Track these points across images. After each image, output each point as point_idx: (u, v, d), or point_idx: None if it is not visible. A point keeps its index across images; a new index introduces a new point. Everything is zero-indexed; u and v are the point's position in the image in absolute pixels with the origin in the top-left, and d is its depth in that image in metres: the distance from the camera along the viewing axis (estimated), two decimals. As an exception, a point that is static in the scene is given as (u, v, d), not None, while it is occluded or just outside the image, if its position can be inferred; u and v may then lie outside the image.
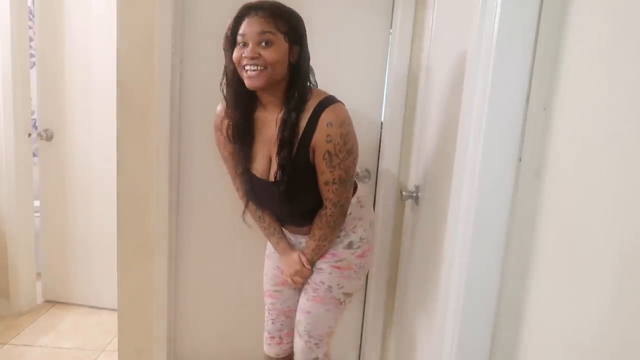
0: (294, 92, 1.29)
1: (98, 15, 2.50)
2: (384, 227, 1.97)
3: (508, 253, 0.88)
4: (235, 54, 1.25)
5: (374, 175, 1.99)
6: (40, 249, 2.78)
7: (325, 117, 1.27)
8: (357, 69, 1.92)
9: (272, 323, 1.59)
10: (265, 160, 1.37)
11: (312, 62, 1.92)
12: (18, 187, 2.54)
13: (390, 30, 1.89)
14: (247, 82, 1.25)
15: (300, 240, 1.50)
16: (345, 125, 1.29)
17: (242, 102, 1.33)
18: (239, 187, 1.48)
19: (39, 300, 2.80)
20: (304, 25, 1.33)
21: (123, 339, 2.05)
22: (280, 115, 1.30)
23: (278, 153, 1.30)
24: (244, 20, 1.25)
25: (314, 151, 1.30)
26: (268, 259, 1.61)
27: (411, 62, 1.85)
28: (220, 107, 1.42)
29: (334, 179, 1.31)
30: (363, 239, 1.47)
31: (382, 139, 1.95)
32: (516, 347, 0.86)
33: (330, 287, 1.44)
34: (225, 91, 1.34)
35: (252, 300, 1.95)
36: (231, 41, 1.27)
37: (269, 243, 1.59)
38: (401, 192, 1.67)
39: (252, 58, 1.22)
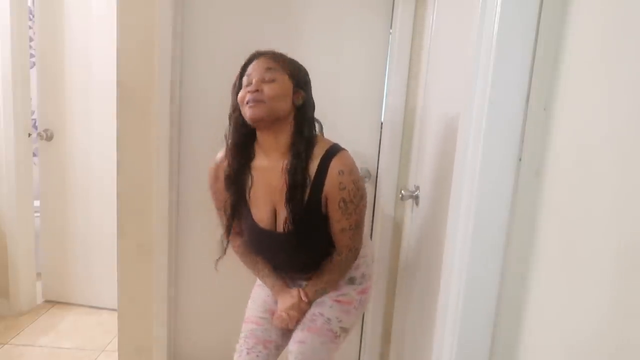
0: (300, 138, 1.27)
1: (98, 15, 2.50)
2: (384, 227, 1.97)
3: (508, 253, 0.88)
4: (240, 94, 1.26)
5: (374, 175, 1.99)
6: (40, 249, 2.78)
7: (335, 165, 1.26)
8: (357, 69, 1.92)
9: (247, 354, 1.39)
10: (269, 210, 1.33)
11: (312, 63, 1.92)
12: (18, 187, 2.54)
13: (390, 30, 1.89)
14: (247, 115, 1.24)
15: (300, 283, 1.45)
16: (354, 172, 1.29)
17: (244, 147, 1.31)
18: (229, 235, 1.41)
19: (39, 300, 2.80)
20: (309, 77, 1.35)
21: (123, 339, 2.05)
22: (287, 162, 1.26)
23: (287, 202, 1.26)
24: (250, 63, 1.28)
25: (326, 200, 1.28)
26: (260, 287, 1.53)
27: (411, 62, 1.85)
28: (220, 154, 1.39)
29: (350, 226, 1.30)
30: (365, 275, 1.46)
31: (382, 139, 1.95)
32: (516, 347, 0.86)
33: (329, 319, 1.38)
34: (229, 136, 1.33)
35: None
36: (238, 86, 1.29)
37: None
38: (401, 192, 1.67)
39: (254, 92, 1.22)
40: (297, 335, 1.37)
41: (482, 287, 0.90)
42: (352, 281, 1.43)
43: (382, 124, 1.95)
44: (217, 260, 1.40)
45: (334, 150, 1.29)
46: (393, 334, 1.98)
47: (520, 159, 0.85)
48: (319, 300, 1.41)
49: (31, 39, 2.82)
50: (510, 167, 0.86)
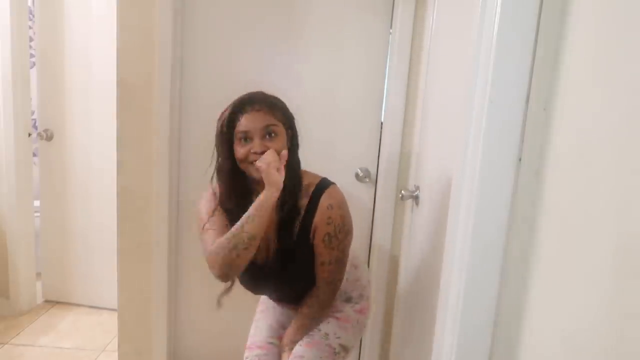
0: (292, 175, 1.27)
1: (98, 15, 2.50)
2: (383, 227, 1.97)
3: (508, 253, 0.88)
4: (241, 151, 1.23)
5: (374, 175, 1.99)
6: (40, 248, 2.78)
7: (325, 199, 1.29)
8: (357, 69, 1.92)
9: None
10: (264, 243, 1.33)
11: (312, 63, 1.93)
12: (18, 187, 2.54)
13: (390, 30, 1.89)
14: (255, 174, 1.22)
15: (290, 313, 1.48)
16: (343, 207, 1.32)
17: (237, 192, 1.31)
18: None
19: (39, 300, 2.80)
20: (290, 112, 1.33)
21: (123, 339, 2.05)
22: (279, 199, 1.24)
23: (277, 235, 1.30)
24: (241, 116, 1.23)
25: (314, 233, 1.30)
26: (263, 314, 1.53)
27: (411, 62, 1.85)
28: (208, 192, 1.40)
29: (330, 260, 1.32)
30: (362, 295, 1.47)
31: (382, 139, 1.95)
32: (516, 347, 0.86)
33: (327, 334, 1.39)
34: (217, 182, 1.32)
35: (252, 301, 1.95)
36: (227, 135, 1.25)
37: (261, 300, 1.57)
38: (401, 192, 1.67)
39: (262, 152, 1.20)
40: (296, 350, 1.38)
41: (482, 287, 0.90)
42: (349, 300, 1.45)
43: (382, 124, 1.95)
44: (221, 295, 1.39)
45: (324, 184, 1.32)
46: (393, 334, 1.98)
47: (520, 159, 0.85)
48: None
49: (31, 39, 2.82)
50: (510, 167, 0.86)
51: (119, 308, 2.02)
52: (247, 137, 1.22)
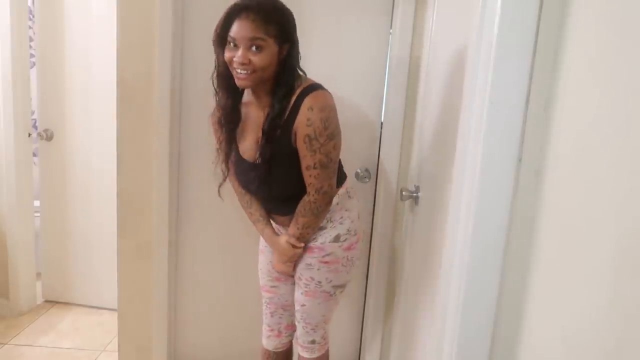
0: (283, 84, 1.32)
1: (98, 15, 2.50)
2: (383, 227, 1.97)
3: (508, 253, 0.88)
4: (227, 55, 1.28)
5: (374, 175, 1.99)
6: (40, 249, 2.78)
7: (307, 102, 1.31)
8: (357, 69, 1.92)
9: (271, 316, 1.65)
10: (254, 144, 1.40)
11: (312, 63, 1.92)
12: (18, 187, 2.54)
13: (390, 30, 1.89)
14: (237, 83, 1.30)
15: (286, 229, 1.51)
16: (326, 111, 1.32)
17: (231, 93, 1.37)
18: (227, 169, 1.49)
19: (39, 300, 2.80)
20: (294, 20, 1.34)
21: (123, 339, 2.05)
22: (269, 105, 1.34)
23: (262, 134, 1.34)
24: (234, 20, 1.25)
25: (295, 135, 1.33)
26: (262, 253, 1.64)
27: (411, 62, 1.85)
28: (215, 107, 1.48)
29: (314, 164, 1.34)
30: (350, 230, 1.49)
31: (382, 139, 1.95)
32: (516, 347, 0.86)
33: (319, 282, 1.49)
34: (215, 82, 1.38)
35: (252, 300, 1.95)
36: (221, 37, 1.29)
37: (261, 238, 1.61)
38: (401, 192, 1.67)
39: (243, 63, 1.25)
40: (298, 298, 1.54)
41: (482, 287, 0.90)
42: (337, 238, 1.47)
43: (382, 124, 1.95)
44: (219, 185, 1.49)
45: (311, 88, 1.33)
46: (393, 334, 1.98)
47: (520, 159, 0.85)
48: (308, 262, 1.48)
49: (31, 39, 2.81)
50: (510, 167, 0.86)
51: (119, 308, 2.02)
52: (235, 44, 1.26)
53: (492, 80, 0.84)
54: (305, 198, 1.40)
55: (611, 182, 0.62)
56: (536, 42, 0.82)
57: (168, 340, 2.06)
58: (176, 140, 1.93)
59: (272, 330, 1.66)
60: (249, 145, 1.42)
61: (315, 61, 1.92)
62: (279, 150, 1.35)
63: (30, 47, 2.75)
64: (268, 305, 1.65)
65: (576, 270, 0.69)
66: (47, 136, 2.65)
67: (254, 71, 1.26)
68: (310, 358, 1.61)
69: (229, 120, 1.41)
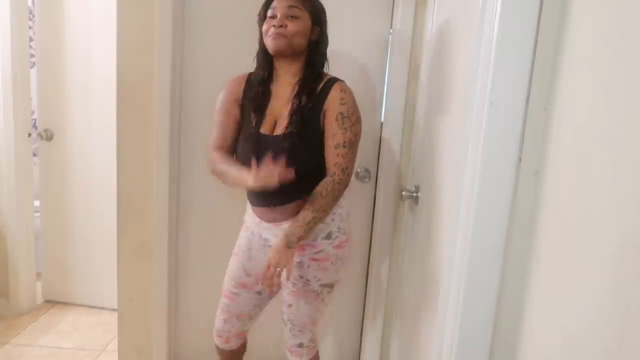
0: (312, 68, 1.44)
1: (98, 15, 2.50)
2: (383, 227, 1.97)
3: (508, 253, 0.88)
4: (265, 26, 1.41)
5: (374, 175, 1.99)
6: (40, 249, 2.78)
7: (338, 86, 1.42)
8: (357, 69, 1.92)
9: (224, 322, 1.62)
10: (272, 120, 1.45)
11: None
12: (18, 187, 2.54)
13: (390, 30, 1.89)
14: (270, 45, 1.39)
15: (277, 233, 1.46)
16: (354, 99, 1.43)
17: (266, 68, 1.47)
18: (215, 148, 1.49)
19: (39, 300, 2.80)
20: (326, 15, 1.48)
21: (123, 339, 2.05)
22: (298, 85, 1.43)
23: (291, 110, 1.40)
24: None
25: (324, 115, 1.40)
26: (235, 255, 1.61)
27: (411, 62, 1.85)
28: (241, 74, 1.54)
29: (344, 142, 1.39)
30: (340, 229, 1.50)
31: (382, 139, 1.95)
32: (516, 347, 0.86)
33: (308, 280, 1.48)
34: (257, 60, 1.48)
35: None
36: (262, 16, 1.43)
37: (240, 240, 1.60)
38: (401, 192, 1.67)
39: (279, 26, 1.37)
40: (285, 298, 1.53)
41: (482, 287, 0.90)
42: (329, 236, 1.48)
43: (382, 124, 1.95)
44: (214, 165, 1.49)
45: (337, 78, 1.45)
46: (393, 334, 1.98)
47: (520, 159, 0.85)
48: (297, 260, 1.46)
49: (31, 39, 2.81)
50: (510, 167, 0.86)
51: (119, 308, 2.02)
52: (273, 15, 1.39)
53: (492, 80, 0.84)
54: (329, 179, 1.40)
55: (611, 182, 0.62)
56: (536, 42, 0.82)
57: (168, 340, 2.06)
58: (176, 140, 1.93)
59: (220, 336, 1.64)
60: (267, 123, 1.45)
61: (315, 61, 1.92)
62: (308, 125, 1.40)
63: (30, 47, 2.75)
64: (223, 311, 1.62)
65: (576, 270, 0.69)
66: (47, 136, 2.65)
67: (285, 35, 1.37)
68: None
69: (259, 95, 1.45)
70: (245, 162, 1.42)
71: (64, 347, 2.37)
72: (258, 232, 1.54)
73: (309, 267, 1.48)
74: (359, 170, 1.98)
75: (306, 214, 1.39)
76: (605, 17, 0.68)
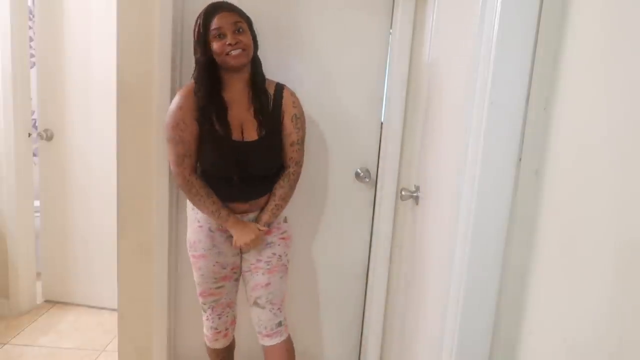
0: (260, 71, 1.59)
1: (98, 15, 2.50)
2: (384, 227, 1.97)
3: (508, 253, 0.88)
4: (217, 45, 1.47)
5: (374, 175, 1.99)
6: (40, 249, 2.78)
7: (287, 90, 1.63)
8: (357, 69, 1.92)
9: (219, 318, 1.72)
10: (238, 127, 1.55)
11: (312, 63, 1.93)
12: (18, 187, 2.54)
13: (390, 30, 1.89)
14: (234, 62, 1.48)
15: (250, 218, 1.64)
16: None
17: (208, 82, 1.52)
18: (187, 167, 1.55)
19: (39, 300, 2.80)
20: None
21: (123, 339, 2.05)
22: (253, 88, 1.56)
23: (256, 113, 1.54)
24: (214, 16, 1.48)
25: (283, 115, 1.59)
26: (204, 258, 1.64)
27: (411, 62, 1.85)
28: (183, 89, 1.56)
29: (298, 140, 1.61)
30: (286, 215, 1.73)
31: (382, 139, 1.94)
32: (516, 347, 0.86)
33: (280, 256, 1.67)
34: (193, 77, 1.55)
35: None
36: (203, 35, 1.49)
37: (199, 242, 1.63)
38: (401, 192, 1.67)
39: (235, 44, 1.46)
40: (261, 279, 1.65)
41: (482, 288, 0.90)
42: (285, 219, 1.72)
43: (382, 124, 1.95)
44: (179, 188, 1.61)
45: (279, 82, 1.64)
46: (393, 334, 1.98)
47: (520, 159, 0.85)
48: (269, 240, 1.65)
49: (31, 39, 2.81)
50: (510, 167, 0.86)
51: (119, 308, 2.02)
52: (220, 34, 1.47)
53: (492, 80, 0.84)
54: (286, 172, 1.63)
55: (611, 182, 0.62)
56: (536, 42, 0.82)
57: (168, 340, 2.06)
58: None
59: (219, 332, 1.73)
60: (235, 129, 1.54)
61: (315, 61, 1.92)
62: (276, 126, 1.58)
63: (30, 47, 2.75)
64: (214, 309, 1.70)
65: (576, 270, 0.69)
66: (47, 136, 2.65)
67: (244, 49, 1.48)
68: (280, 342, 1.65)
69: (216, 106, 1.52)
70: (218, 171, 1.56)
71: (64, 347, 2.37)
72: (217, 226, 1.63)
73: (279, 245, 1.67)
74: (359, 170, 1.99)
75: (272, 204, 1.62)
76: (605, 17, 0.68)
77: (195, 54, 1.53)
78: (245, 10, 1.64)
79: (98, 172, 2.59)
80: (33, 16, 2.77)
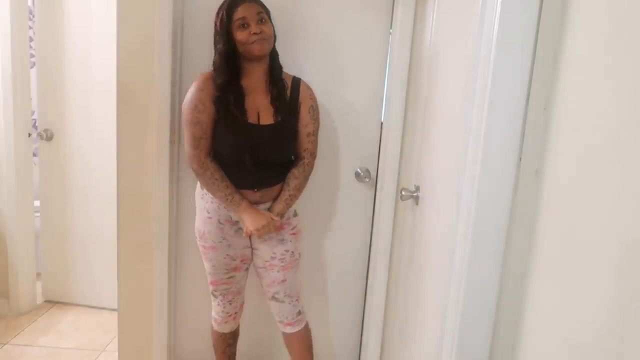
0: (278, 62, 1.64)
1: (98, 15, 2.50)
2: (384, 227, 1.97)
3: (508, 253, 0.88)
4: (242, 35, 1.52)
5: (374, 175, 1.99)
6: (40, 249, 2.77)
7: (304, 84, 1.69)
8: (357, 69, 1.92)
9: (230, 304, 1.78)
10: (255, 112, 1.59)
11: (312, 63, 1.93)
12: (18, 187, 2.54)
13: (390, 30, 1.89)
14: (258, 51, 1.53)
15: (261, 209, 1.63)
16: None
17: (229, 70, 1.57)
18: (203, 149, 1.57)
19: (39, 300, 2.80)
20: None
21: (123, 339, 2.05)
22: (270, 76, 1.61)
23: (273, 100, 1.59)
24: (237, 7, 1.52)
25: (300, 105, 1.64)
26: (213, 250, 1.69)
27: (411, 62, 1.85)
28: (201, 76, 1.60)
29: (313, 131, 1.66)
30: (295, 208, 1.74)
31: (382, 139, 1.94)
32: (516, 347, 0.86)
33: (292, 252, 1.71)
34: (213, 66, 1.58)
35: (251, 300, 1.95)
36: (226, 25, 1.53)
37: (209, 234, 1.66)
38: (401, 192, 1.67)
39: (259, 33, 1.51)
40: (276, 276, 1.70)
41: (482, 287, 0.90)
42: (295, 213, 1.74)
43: (382, 124, 1.95)
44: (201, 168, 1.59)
45: (298, 77, 1.70)
46: (393, 334, 1.98)
47: (520, 159, 0.85)
48: (280, 237, 1.68)
49: (31, 39, 2.81)
50: (510, 167, 0.86)
51: (119, 308, 2.02)
52: (245, 24, 1.52)
53: (492, 80, 0.84)
54: (301, 162, 1.66)
55: (612, 181, 0.62)
56: (536, 42, 0.82)
57: (168, 340, 2.06)
58: (176, 141, 1.93)
59: (229, 315, 1.79)
60: (251, 115, 1.58)
61: (315, 61, 1.92)
62: (292, 114, 1.62)
63: (30, 47, 2.75)
64: (225, 296, 1.75)
65: (576, 270, 0.69)
66: (47, 136, 2.64)
67: (266, 38, 1.53)
68: (300, 329, 1.76)
69: (235, 93, 1.56)
70: (233, 155, 1.58)
71: (64, 347, 2.37)
72: (227, 217, 1.64)
73: (290, 241, 1.71)
74: (359, 170, 1.98)
75: (286, 194, 1.64)
76: (605, 16, 0.68)
77: (216, 44, 1.57)
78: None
79: (98, 172, 2.59)
80: (33, 16, 2.77)
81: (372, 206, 2.02)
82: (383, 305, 2.03)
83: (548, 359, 0.76)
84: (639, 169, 0.56)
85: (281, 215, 1.63)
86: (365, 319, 2.10)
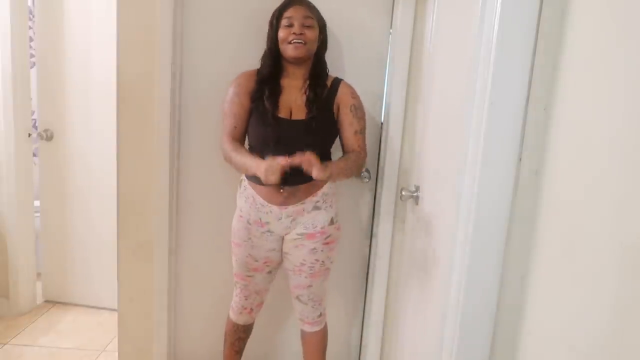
0: (321, 65, 1.68)
1: (98, 15, 2.50)
2: (384, 227, 1.97)
3: (508, 253, 0.88)
4: (283, 33, 1.58)
5: (374, 175, 1.99)
6: (40, 249, 2.78)
7: (345, 83, 1.69)
8: (357, 69, 1.92)
9: (246, 299, 1.79)
10: (287, 109, 1.63)
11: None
12: (18, 187, 2.54)
13: (390, 30, 1.89)
14: (292, 52, 1.58)
15: (289, 211, 1.61)
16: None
17: (271, 67, 1.64)
18: (235, 136, 1.63)
19: (39, 300, 2.80)
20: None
21: (123, 339, 2.05)
22: (310, 78, 1.65)
23: (308, 101, 1.60)
24: (289, 7, 1.59)
25: (338, 107, 1.65)
26: (237, 247, 1.71)
27: (411, 62, 1.85)
28: (245, 72, 1.69)
29: (361, 129, 1.65)
30: (337, 214, 1.72)
31: (382, 139, 1.94)
32: (516, 347, 0.86)
33: (323, 262, 1.70)
34: (263, 62, 1.66)
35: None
36: (276, 25, 1.61)
37: (237, 231, 1.69)
38: (401, 192, 1.67)
39: (299, 34, 1.56)
40: (303, 281, 1.71)
41: (482, 287, 0.90)
42: (332, 221, 1.69)
43: (382, 124, 1.95)
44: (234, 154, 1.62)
45: (339, 78, 1.71)
46: (393, 334, 1.98)
47: (520, 159, 0.85)
48: (312, 247, 1.66)
49: (31, 39, 2.81)
50: (510, 167, 0.86)
51: (119, 308, 2.02)
52: (290, 23, 1.58)
53: (492, 80, 0.84)
54: (357, 151, 1.64)
55: (612, 181, 0.62)
56: (536, 42, 0.82)
57: (168, 340, 2.06)
58: (176, 140, 1.93)
59: (245, 308, 1.80)
60: (287, 108, 1.62)
61: (315, 61, 1.92)
62: (325, 113, 1.62)
63: (30, 47, 2.75)
64: (242, 291, 1.77)
65: (576, 270, 0.69)
66: (47, 136, 2.64)
67: (305, 43, 1.57)
68: (319, 330, 1.79)
69: (271, 88, 1.61)
70: (262, 146, 1.60)
71: (64, 347, 2.37)
72: (256, 219, 1.64)
73: (322, 251, 1.68)
74: (359, 170, 1.98)
75: (342, 161, 1.59)
76: (605, 16, 0.68)
77: (267, 41, 1.65)
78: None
79: (98, 172, 2.59)
80: (33, 16, 2.77)
81: (372, 206, 2.02)
82: (383, 305, 2.03)
83: (548, 358, 0.76)
84: (639, 169, 0.57)
85: (320, 171, 1.42)
86: (365, 319, 2.10)
